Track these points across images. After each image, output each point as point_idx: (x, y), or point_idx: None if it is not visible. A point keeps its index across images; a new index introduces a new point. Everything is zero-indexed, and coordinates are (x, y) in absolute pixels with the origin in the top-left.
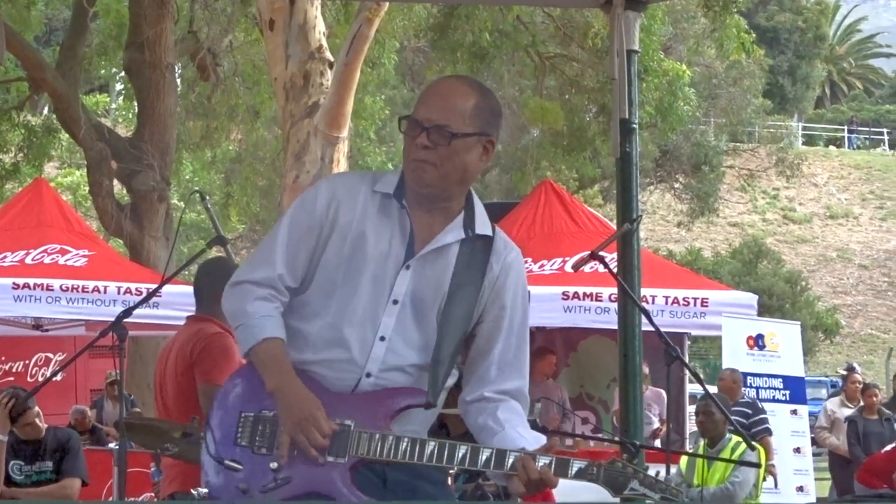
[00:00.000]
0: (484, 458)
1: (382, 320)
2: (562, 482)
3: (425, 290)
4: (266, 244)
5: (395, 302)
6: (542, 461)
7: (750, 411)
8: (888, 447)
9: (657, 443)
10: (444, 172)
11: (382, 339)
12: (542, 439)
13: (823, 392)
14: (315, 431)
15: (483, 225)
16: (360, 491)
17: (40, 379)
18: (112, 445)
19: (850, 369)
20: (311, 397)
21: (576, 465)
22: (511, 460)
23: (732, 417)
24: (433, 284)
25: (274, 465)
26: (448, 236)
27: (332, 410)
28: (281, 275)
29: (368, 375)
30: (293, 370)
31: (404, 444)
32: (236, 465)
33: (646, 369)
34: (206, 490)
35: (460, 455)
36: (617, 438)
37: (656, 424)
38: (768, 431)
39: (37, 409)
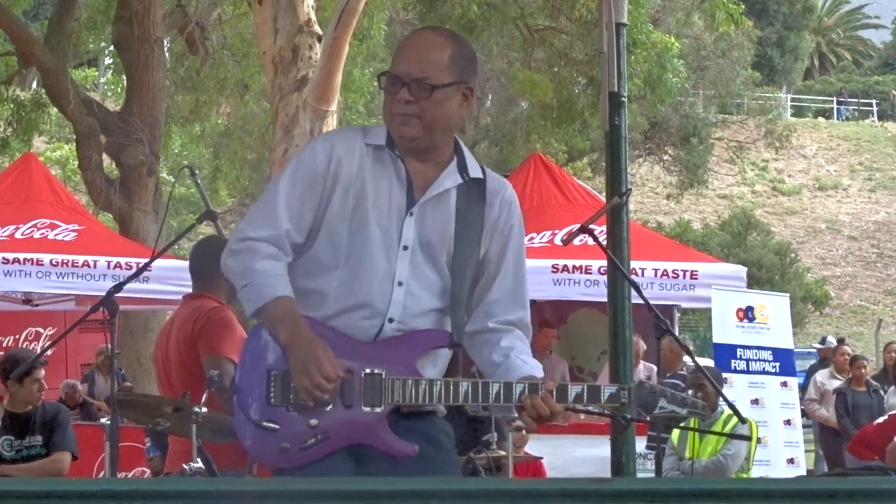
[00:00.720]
0: (518, 391)
1: (397, 266)
2: (555, 460)
3: (431, 235)
4: (266, 202)
5: (406, 248)
6: (575, 391)
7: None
8: (879, 419)
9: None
10: (428, 124)
11: (400, 283)
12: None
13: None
14: (317, 373)
15: (475, 168)
16: (372, 466)
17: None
18: (104, 420)
19: (841, 341)
20: (321, 345)
21: (607, 392)
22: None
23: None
24: (439, 229)
25: (313, 421)
26: (446, 181)
27: (358, 358)
28: (288, 230)
29: (391, 321)
30: (306, 325)
31: (438, 386)
32: (273, 426)
33: (643, 345)
34: (199, 465)
35: (494, 392)
36: (608, 412)
37: None
38: None
39: (42, 371)
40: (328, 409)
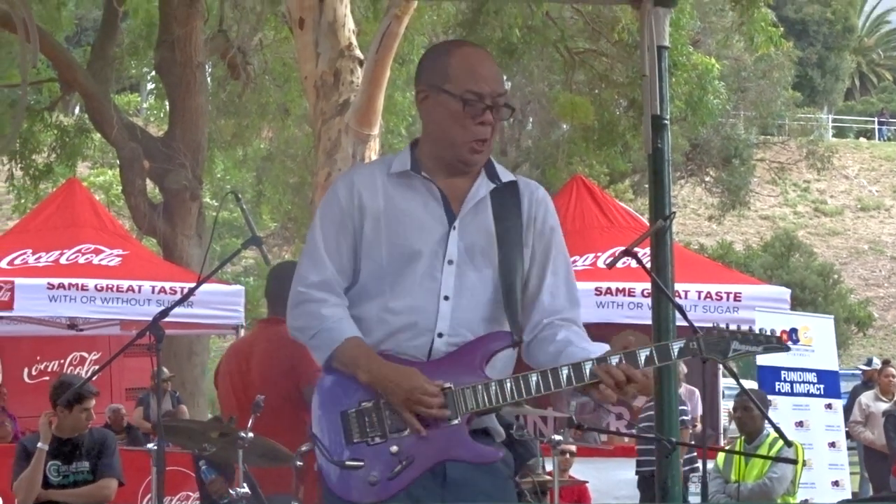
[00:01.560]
0: (588, 368)
1: (442, 281)
2: (600, 483)
3: (475, 245)
4: (310, 250)
5: (451, 262)
6: (644, 354)
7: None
8: None
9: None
10: (489, 150)
11: (446, 298)
12: (606, 346)
13: None
14: (426, 397)
15: (504, 173)
16: (421, 495)
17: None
18: (150, 446)
19: (886, 363)
20: (408, 369)
21: (676, 346)
22: (613, 363)
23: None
24: (482, 237)
25: (394, 448)
26: (481, 190)
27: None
28: (334, 273)
29: (440, 335)
30: (379, 357)
31: (508, 385)
32: (357, 463)
33: (684, 367)
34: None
35: (564, 376)
36: (653, 435)
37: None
38: (684, 423)
39: (93, 400)
40: (405, 433)
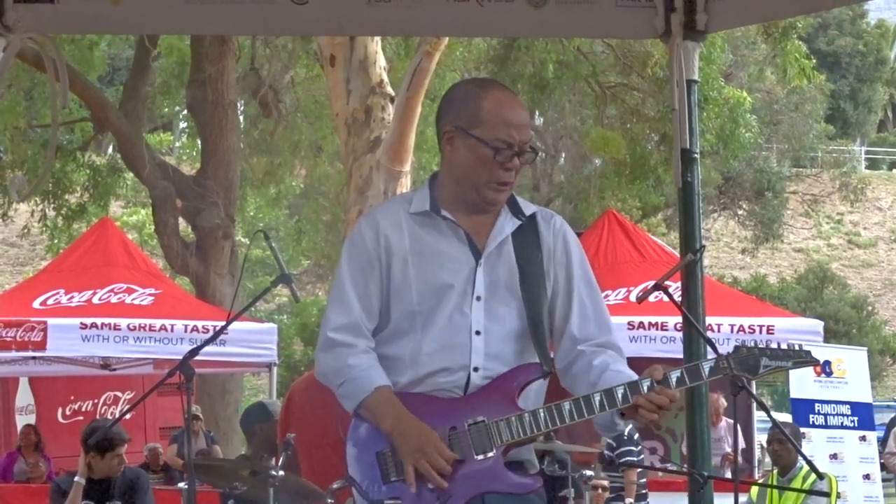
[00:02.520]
0: (620, 394)
1: (472, 317)
2: None
3: (500, 280)
4: (337, 290)
5: (479, 298)
6: (675, 375)
7: (614, 443)
8: None
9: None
10: (514, 185)
11: (478, 333)
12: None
13: None
14: (438, 456)
15: (525, 205)
16: None
17: (109, 418)
18: (181, 485)
19: None
20: (429, 429)
21: (706, 366)
22: (645, 387)
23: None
24: (506, 272)
25: (430, 485)
26: (506, 227)
27: (456, 414)
28: (361, 315)
29: (476, 370)
30: (406, 410)
31: (542, 414)
32: (396, 502)
33: (724, 402)
34: None
35: (597, 402)
36: (685, 468)
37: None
38: (630, 463)
39: (125, 447)
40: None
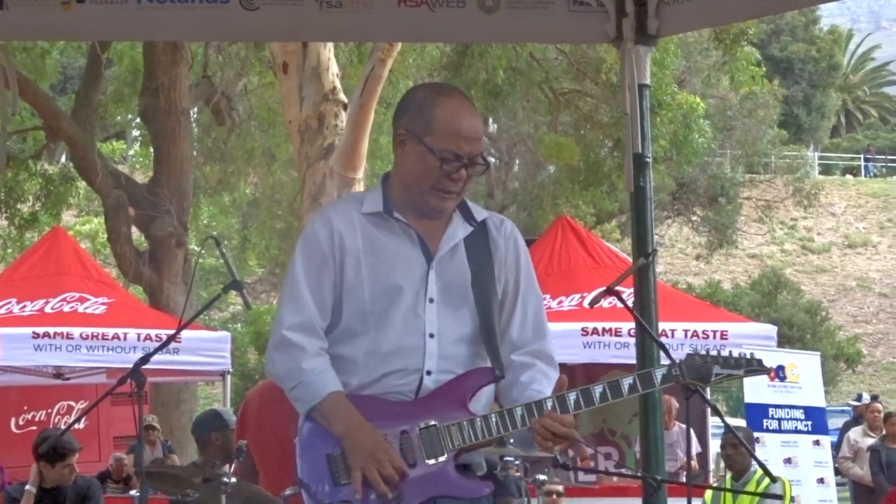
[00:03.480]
0: (519, 415)
1: (426, 319)
2: None
3: (452, 284)
4: (290, 291)
5: (432, 301)
6: (627, 382)
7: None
8: None
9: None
10: (457, 200)
11: (431, 335)
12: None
13: None
14: (388, 465)
15: (477, 211)
16: None
17: (61, 427)
18: (132, 493)
19: (874, 398)
20: (381, 437)
21: (658, 373)
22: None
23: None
24: (458, 276)
25: (393, 492)
26: (458, 232)
27: (407, 417)
28: (314, 313)
29: (429, 373)
30: (359, 415)
31: (493, 419)
32: None
33: (675, 403)
34: None
35: (548, 406)
36: (639, 473)
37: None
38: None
39: (75, 456)
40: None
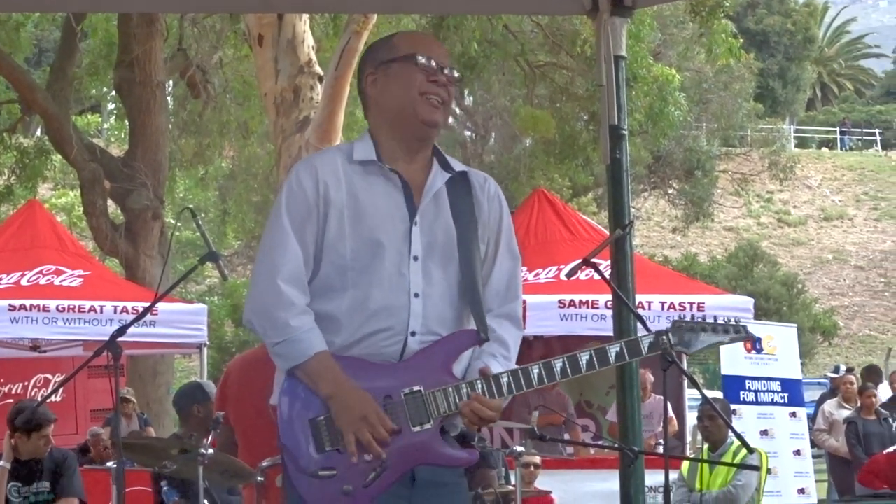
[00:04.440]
0: (559, 368)
1: (410, 278)
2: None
3: (438, 239)
4: (279, 243)
5: (416, 258)
6: (613, 350)
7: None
8: (890, 448)
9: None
10: (446, 117)
11: (416, 295)
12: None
13: None
14: (380, 426)
15: (455, 163)
16: (389, 491)
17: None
18: (110, 464)
19: (849, 370)
20: (370, 398)
21: (645, 341)
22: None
23: None
24: (442, 231)
25: (368, 456)
26: (437, 181)
27: (392, 381)
28: (300, 264)
29: (413, 334)
30: (346, 376)
31: (479, 385)
32: (330, 472)
33: (650, 377)
34: None
35: (535, 375)
36: (617, 445)
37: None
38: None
39: (51, 427)
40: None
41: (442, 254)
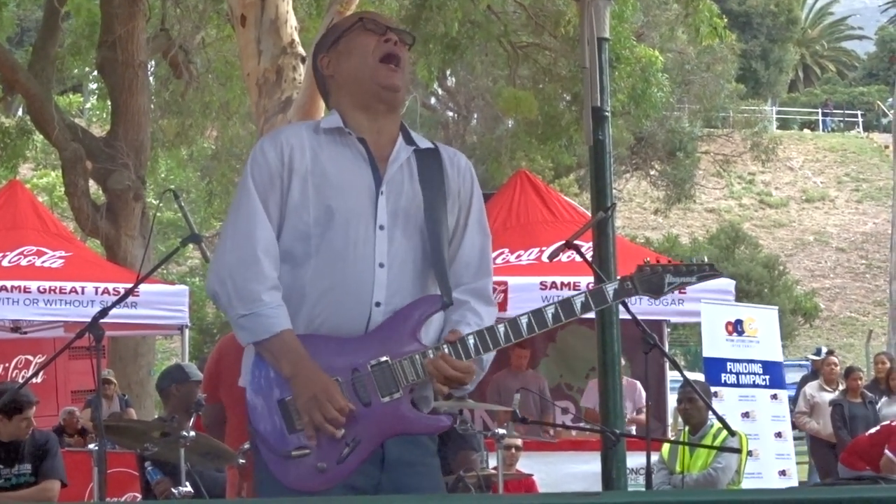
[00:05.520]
0: (525, 323)
1: (376, 248)
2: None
3: (404, 208)
4: (247, 208)
5: (382, 227)
6: (579, 300)
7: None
8: (871, 430)
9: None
10: (404, 79)
11: (381, 265)
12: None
13: None
14: (329, 405)
15: (420, 140)
16: (360, 472)
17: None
18: (91, 446)
19: (830, 353)
20: (326, 377)
21: (610, 288)
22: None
23: None
24: (408, 203)
25: (341, 432)
26: (401, 154)
27: (358, 353)
28: (272, 235)
29: (378, 305)
30: (309, 357)
31: (445, 348)
32: (304, 451)
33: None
34: (188, 489)
35: (502, 334)
36: (598, 427)
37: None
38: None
39: (33, 409)
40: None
41: (408, 223)
